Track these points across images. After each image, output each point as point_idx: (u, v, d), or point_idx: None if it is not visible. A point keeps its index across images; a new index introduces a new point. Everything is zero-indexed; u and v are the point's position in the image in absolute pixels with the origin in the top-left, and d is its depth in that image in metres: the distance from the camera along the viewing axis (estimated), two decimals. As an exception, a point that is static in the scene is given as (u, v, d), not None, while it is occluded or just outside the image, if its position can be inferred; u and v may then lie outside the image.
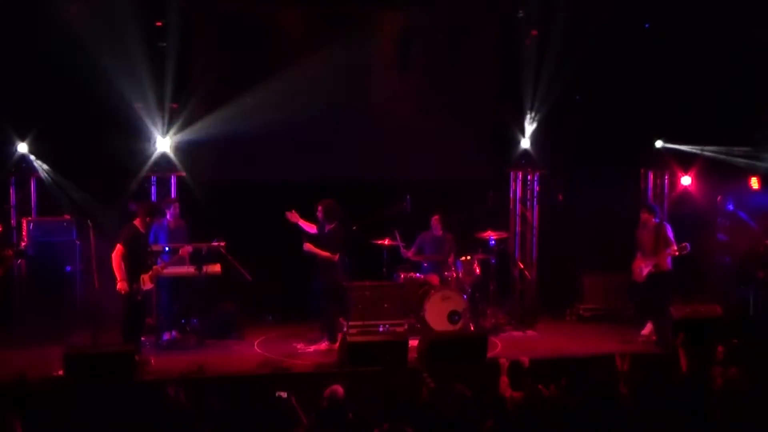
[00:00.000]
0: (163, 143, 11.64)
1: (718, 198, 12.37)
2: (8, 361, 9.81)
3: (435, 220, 11.91)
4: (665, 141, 13.06)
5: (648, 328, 11.38)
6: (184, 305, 11.28)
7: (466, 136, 12.85)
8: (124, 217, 10.56)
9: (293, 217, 10.77)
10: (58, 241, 10.88)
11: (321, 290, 10.77)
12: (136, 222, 9.97)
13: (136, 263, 9.77)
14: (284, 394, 7.58)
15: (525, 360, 9.34)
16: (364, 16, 12.24)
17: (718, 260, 12.27)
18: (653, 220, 11.45)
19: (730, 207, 12.33)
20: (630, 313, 12.13)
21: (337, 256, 10.66)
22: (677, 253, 11.14)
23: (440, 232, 11.94)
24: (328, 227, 10.71)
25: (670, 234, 11.30)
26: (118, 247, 9.72)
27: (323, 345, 10.72)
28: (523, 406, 8.00)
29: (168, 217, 11.00)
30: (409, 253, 11.92)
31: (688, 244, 11.10)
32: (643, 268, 11.31)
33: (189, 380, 9.00)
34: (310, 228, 10.84)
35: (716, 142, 12.79)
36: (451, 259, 11.78)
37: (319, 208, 10.72)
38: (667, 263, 11.33)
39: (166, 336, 10.95)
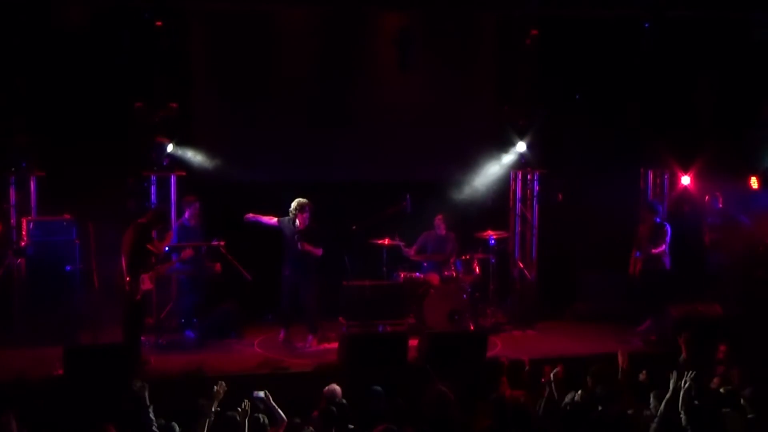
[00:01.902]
0: (164, 143, 11.63)
1: (707, 197, 12.37)
2: (8, 360, 9.83)
3: (438, 219, 11.95)
4: (665, 141, 13.04)
5: (645, 325, 11.44)
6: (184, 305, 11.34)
7: (466, 136, 12.85)
8: (124, 216, 10.60)
9: (252, 217, 10.89)
10: (58, 241, 10.86)
11: (303, 285, 10.88)
12: (143, 221, 10.00)
13: (138, 262, 9.79)
14: (262, 394, 7.59)
15: (525, 360, 9.38)
16: (364, 16, 12.24)
17: (713, 259, 12.25)
18: (653, 218, 11.58)
19: (719, 206, 12.32)
20: (629, 313, 12.10)
21: (320, 251, 10.83)
22: (652, 252, 11.43)
23: (444, 232, 11.97)
24: (301, 223, 10.79)
25: (667, 237, 11.45)
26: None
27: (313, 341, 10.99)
28: (522, 404, 8.03)
29: (186, 215, 11.08)
30: (411, 251, 11.93)
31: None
32: (637, 263, 11.59)
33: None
34: (270, 220, 10.95)
35: (716, 142, 12.79)
36: (452, 259, 11.82)
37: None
38: (664, 262, 11.43)
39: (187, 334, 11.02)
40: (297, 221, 10.83)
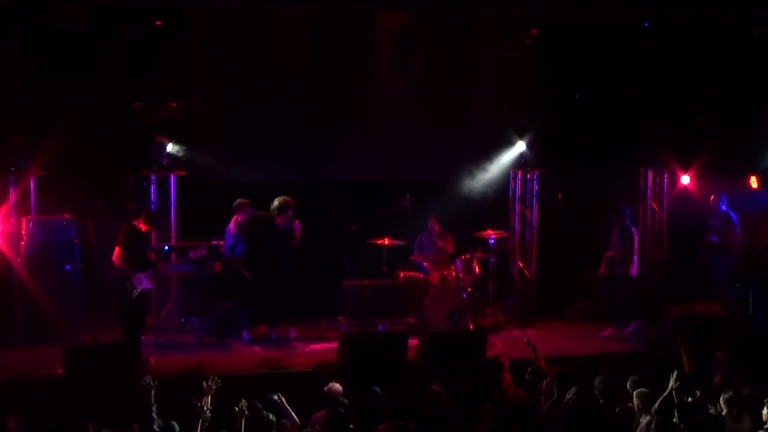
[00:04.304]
0: (164, 142, 11.64)
1: (711, 198, 12.31)
2: (8, 360, 9.84)
3: (432, 221, 12.03)
4: (665, 141, 13.03)
5: (608, 332, 11.45)
6: (186, 305, 11.34)
7: (466, 135, 12.86)
8: (124, 215, 10.63)
9: None
10: (58, 241, 10.85)
11: (286, 280, 10.98)
12: (136, 223, 10.01)
13: (133, 263, 9.82)
14: (276, 397, 7.64)
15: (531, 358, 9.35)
16: (364, 16, 12.25)
17: (712, 262, 12.21)
18: (622, 221, 11.53)
19: (723, 207, 12.27)
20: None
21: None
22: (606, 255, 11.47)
23: (438, 231, 12.02)
24: (281, 221, 10.90)
25: (634, 241, 11.44)
26: (116, 250, 9.86)
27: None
28: (523, 404, 8.04)
29: (239, 219, 10.98)
30: (411, 256, 12.01)
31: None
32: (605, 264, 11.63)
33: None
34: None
35: (716, 142, 12.79)
36: (446, 258, 11.89)
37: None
38: (631, 269, 11.39)
39: (246, 335, 11.04)
40: (279, 221, 10.88)
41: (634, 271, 11.52)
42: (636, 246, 11.56)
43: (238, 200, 11.02)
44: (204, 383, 6.97)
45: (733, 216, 12.14)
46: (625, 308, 11.44)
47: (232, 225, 10.99)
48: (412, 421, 7.56)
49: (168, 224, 11.56)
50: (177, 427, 7.15)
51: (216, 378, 7.03)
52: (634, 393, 7.64)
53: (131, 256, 9.85)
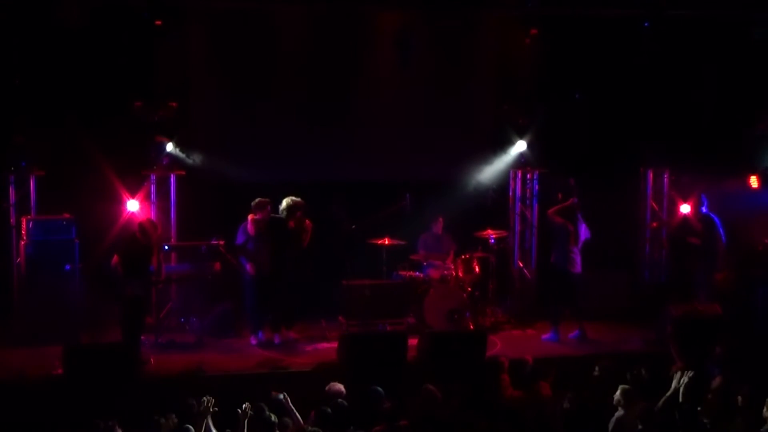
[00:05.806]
0: (163, 142, 11.64)
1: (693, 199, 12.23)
2: (8, 359, 9.85)
3: (440, 221, 12.06)
4: (665, 140, 13.02)
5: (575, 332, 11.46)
6: (186, 304, 11.34)
7: (466, 135, 12.86)
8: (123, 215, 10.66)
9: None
10: (58, 240, 10.85)
11: (293, 284, 11.01)
12: (135, 233, 10.05)
13: (129, 269, 9.92)
14: (281, 396, 7.66)
15: (529, 358, 9.37)
16: (364, 16, 12.24)
17: (695, 265, 12.17)
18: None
19: (704, 209, 12.16)
20: (627, 312, 12.12)
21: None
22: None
23: (441, 231, 12.05)
24: (292, 223, 10.87)
25: (581, 238, 11.45)
26: (114, 257, 9.97)
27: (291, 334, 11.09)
28: (521, 405, 8.05)
29: (259, 217, 10.89)
30: (416, 256, 12.04)
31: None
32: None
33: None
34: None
35: (716, 141, 12.78)
36: (450, 257, 11.89)
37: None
38: (576, 265, 11.40)
39: (253, 340, 10.98)
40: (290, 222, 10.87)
41: (578, 268, 11.45)
42: (572, 244, 11.41)
43: (259, 199, 10.88)
44: (201, 404, 6.97)
45: (715, 218, 12.02)
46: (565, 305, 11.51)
47: (250, 225, 10.84)
48: (410, 420, 7.57)
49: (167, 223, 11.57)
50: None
51: (210, 398, 7.01)
52: (619, 388, 7.65)
53: (126, 263, 9.91)
